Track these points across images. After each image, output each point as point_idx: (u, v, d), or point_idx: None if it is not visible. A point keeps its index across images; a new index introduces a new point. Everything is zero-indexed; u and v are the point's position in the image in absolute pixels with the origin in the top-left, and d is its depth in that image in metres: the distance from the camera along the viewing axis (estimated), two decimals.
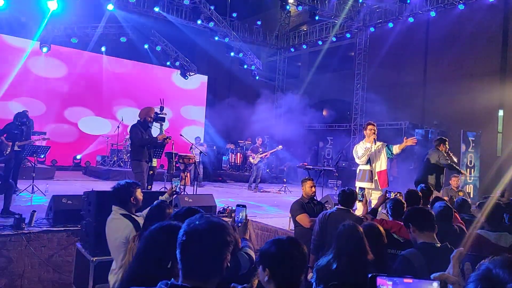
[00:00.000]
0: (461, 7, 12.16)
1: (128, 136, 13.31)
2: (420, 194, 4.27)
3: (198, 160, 10.30)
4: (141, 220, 3.21)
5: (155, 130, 6.83)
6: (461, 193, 7.62)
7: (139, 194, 3.31)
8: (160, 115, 6.88)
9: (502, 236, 3.03)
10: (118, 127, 13.57)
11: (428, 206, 4.05)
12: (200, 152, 10.10)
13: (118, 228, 3.11)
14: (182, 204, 6.20)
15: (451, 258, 0.95)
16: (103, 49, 15.10)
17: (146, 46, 15.76)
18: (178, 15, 14.24)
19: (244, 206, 2.57)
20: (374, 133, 6.20)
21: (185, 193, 7.96)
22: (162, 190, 8.19)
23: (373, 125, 6.30)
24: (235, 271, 2.44)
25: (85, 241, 4.35)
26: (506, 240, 3.00)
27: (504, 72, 12.75)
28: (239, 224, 2.58)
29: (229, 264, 1.49)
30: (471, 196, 10.33)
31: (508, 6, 12.64)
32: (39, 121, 12.50)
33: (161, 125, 6.72)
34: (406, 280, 0.93)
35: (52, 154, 12.70)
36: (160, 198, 3.75)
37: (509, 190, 7.22)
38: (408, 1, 12.58)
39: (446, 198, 6.56)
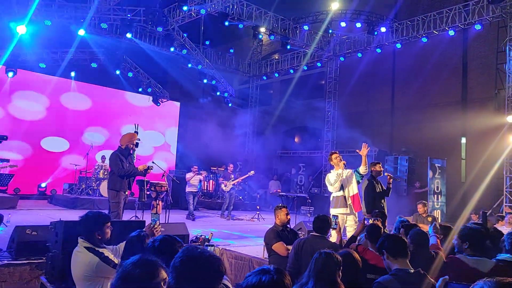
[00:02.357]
0: (424, 40, 12.86)
1: (99, 164, 13.03)
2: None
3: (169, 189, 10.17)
4: (108, 253, 3.12)
5: None
6: (429, 218, 7.75)
7: (106, 228, 3.21)
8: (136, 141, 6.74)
9: (480, 261, 3.05)
10: (87, 154, 13.22)
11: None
12: (200, 181, 10.78)
13: (80, 261, 3.03)
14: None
15: (437, 286, 0.97)
16: (72, 74, 14.85)
17: (118, 72, 15.64)
18: (151, 42, 14.29)
19: (212, 245, 2.61)
20: (341, 160, 6.41)
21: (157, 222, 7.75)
22: (133, 219, 7.97)
23: (336, 153, 6.60)
24: None
25: (51, 274, 4.12)
26: (485, 265, 3.02)
27: (465, 102, 13.45)
28: None
29: None
30: (439, 221, 10.60)
31: (466, 41, 13.48)
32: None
33: (134, 150, 6.58)
34: None
35: (15, 181, 12.16)
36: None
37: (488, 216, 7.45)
38: (376, 33, 13.19)
39: (420, 224, 6.72)
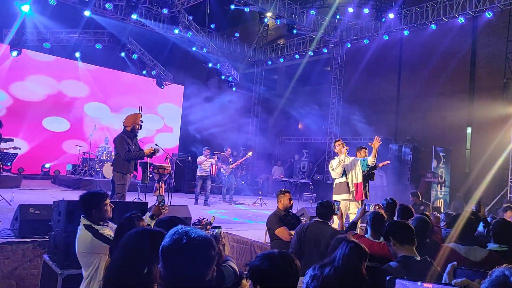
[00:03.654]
0: (433, 27, 12.63)
1: (102, 145, 13.03)
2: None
3: (171, 173, 10.15)
4: (104, 230, 3.17)
5: None
6: (422, 207, 7.71)
7: (105, 206, 3.24)
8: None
9: (471, 250, 3.04)
10: (91, 135, 13.22)
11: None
12: (211, 165, 10.54)
13: (79, 238, 3.16)
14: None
15: (445, 273, 0.94)
16: (77, 55, 14.75)
17: (122, 54, 15.52)
18: (156, 24, 14.13)
19: (219, 227, 2.62)
20: (343, 146, 6.40)
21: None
22: (136, 200, 7.99)
23: (339, 140, 6.69)
24: (219, 283, 2.38)
25: (53, 253, 4.14)
26: (476, 254, 3.02)
27: (472, 91, 13.28)
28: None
29: (214, 274, 1.51)
30: (442, 210, 10.58)
31: (476, 29, 13.23)
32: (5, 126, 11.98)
33: (137, 133, 6.53)
34: (425, 285, 0.91)
35: (19, 162, 12.19)
36: (147, 222, 3.50)
37: (483, 204, 7.42)
38: (383, 19, 12.96)
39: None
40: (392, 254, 2.69)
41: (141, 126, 6.46)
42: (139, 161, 7.88)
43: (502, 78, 12.13)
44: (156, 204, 3.59)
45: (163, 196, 3.87)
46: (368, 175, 6.69)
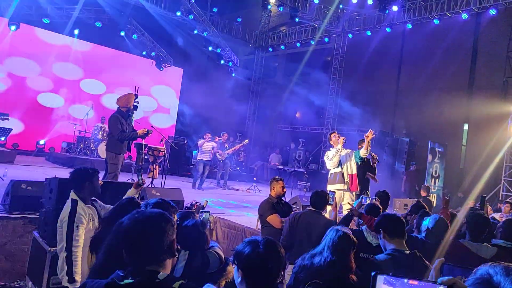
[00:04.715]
0: (436, 22, 12.53)
1: (98, 125, 12.95)
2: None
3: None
4: (80, 229, 3.18)
5: None
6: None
7: (96, 180, 3.36)
8: (134, 103, 6.65)
9: (483, 247, 3.06)
10: (88, 113, 13.12)
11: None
12: (213, 148, 10.45)
13: (62, 211, 3.25)
14: (149, 197, 6.03)
15: (433, 268, 0.93)
16: (76, 32, 14.54)
17: (122, 34, 15.31)
18: (158, 5, 13.92)
19: (207, 212, 2.65)
20: (339, 137, 6.43)
21: (153, 186, 7.77)
22: (129, 181, 7.97)
23: (335, 132, 6.74)
24: (204, 268, 2.38)
25: (43, 230, 4.13)
26: (487, 251, 3.03)
27: (471, 89, 13.25)
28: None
29: (176, 255, 1.57)
30: (434, 205, 10.65)
31: (479, 25, 13.13)
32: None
33: (132, 113, 6.49)
34: (411, 282, 0.90)
35: (14, 137, 12.11)
36: (128, 194, 3.60)
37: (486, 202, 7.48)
38: (387, 11, 12.82)
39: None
40: (382, 246, 2.69)
41: (136, 107, 6.42)
42: (134, 142, 7.87)
43: (502, 77, 12.11)
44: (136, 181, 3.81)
45: (141, 169, 4.06)
46: (369, 170, 6.67)
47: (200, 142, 10.86)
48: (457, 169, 12.78)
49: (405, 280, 0.90)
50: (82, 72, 15.03)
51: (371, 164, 6.79)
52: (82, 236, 3.13)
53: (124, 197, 3.13)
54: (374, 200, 4.31)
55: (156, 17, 14.71)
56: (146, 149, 8.74)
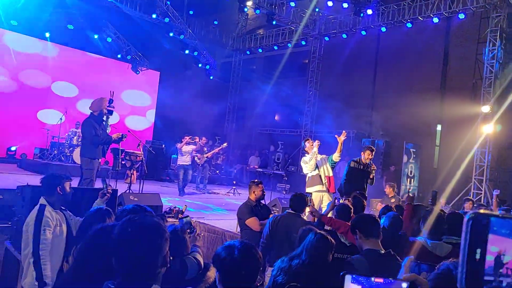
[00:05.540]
0: (409, 25, 12.86)
1: (73, 130, 12.66)
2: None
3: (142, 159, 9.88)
4: (47, 233, 3.10)
5: None
6: (393, 200, 7.84)
7: (67, 186, 3.32)
8: (108, 108, 6.55)
9: (438, 245, 3.17)
10: (61, 118, 12.81)
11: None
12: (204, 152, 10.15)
13: (29, 216, 3.18)
14: (127, 203, 5.94)
15: (402, 265, 0.97)
16: (47, 34, 14.17)
17: (96, 36, 15.04)
18: (133, 7, 13.75)
19: (186, 217, 2.64)
20: (313, 143, 6.52)
21: (131, 191, 7.66)
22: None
23: (309, 139, 6.87)
24: (182, 274, 2.36)
25: (16, 239, 4.00)
26: (442, 249, 3.13)
27: (443, 90, 13.65)
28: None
29: (168, 265, 1.50)
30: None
31: (449, 29, 13.56)
32: None
33: (108, 118, 6.40)
34: (376, 280, 0.93)
35: None
36: (95, 204, 3.53)
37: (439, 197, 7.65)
38: (362, 15, 13.08)
39: (379, 205, 6.88)
40: (358, 246, 2.74)
41: (111, 111, 6.33)
42: (111, 146, 7.74)
43: (472, 79, 12.52)
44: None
45: (105, 180, 3.98)
46: (366, 178, 6.57)
47: (179, 145, 10.69)
48: (431, 169, 13.11)
49: (372, 279, 0.93)
50: (54, 76, 14.66)
51: (367, 172, 6.62)
52: (50, 240, 3.05)
53: (91, 209, 3.10)
54: (346, 201, 4.38)
55: (132, 20, 14.52)
56: (123, 154, 8.60)
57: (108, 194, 3.65)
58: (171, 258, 2.24)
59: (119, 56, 15.81)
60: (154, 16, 13.82)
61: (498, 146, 11.72)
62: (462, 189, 11.10)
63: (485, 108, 10.68)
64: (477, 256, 0.58)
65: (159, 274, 1.47)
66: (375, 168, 6.78)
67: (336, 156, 6.43)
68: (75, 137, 12.27)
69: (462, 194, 11.03)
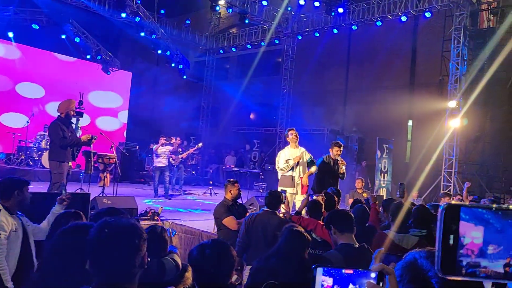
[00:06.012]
0: (378, 23, 13.13)
1: (41, 133, 12.25)
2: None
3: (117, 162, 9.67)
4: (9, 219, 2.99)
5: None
6: (365, 194, 7.98)
7: (26, 191, 3.20)
8: (78, 110, 6.39)
9: (404, 238, 3.27)
10: (28, 122, 12.39)
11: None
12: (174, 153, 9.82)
13: None
14: (100, 207, 5.81)
15: (372, 258, 1.01)
16: (10, 35, 13.63)
17: (63, 36, 14.60)
18: (101, 6, 13.43)
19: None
20: (297, 136, 6.44)
21: (104, 195, 7.50)
22: (78, 191, 7.63)
23: (293, 129, 6.61)
24: (160, 276, 2.34)
25: None
26: (408, 241, 3.24)
27: (412, 86, 14.05)
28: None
29: (145, 266, 1.48)
30: (384, 198, 11.14)
31: (416, 27, 13.96)
32: None
33: (78, 120, 6.24)
34: (347, 271, 0.96)
35: None
36: (54, 211, 3.41)
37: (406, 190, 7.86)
38: (333, 13, 13.25)
39: (350, 200, 6.99)
40: (333, 242, 2.79)
41: (80, 113, 6.18)
42: (82, 149, 7.55)
43: (438, 75, 12.93)
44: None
45: (64, 184, 3.81)
46: (336, 174, 6.64)
47: (155, 147, 10.44)
48: (403, 164, 13.46)
49: (343, 270, 0.96)
50: (18, 77, 14.13)
51: (337, 167, 6.71)
52: (5, 244, 2.94)
53: (49, 215, 3.01)
54: (321, 197, 4.45)
55: (101, 20, 14.18)
56: (96, 156, 8.41)
57: (66, 200, 3.49)
58: (149, 259, 2.23)
59: (88, 56, 15.41)
60: (123, 15, 13.53)
61: (465, 139, 12.16)
62: (432, 182, 11.45)
63: (452, 104, 11.04)
64: (451, 242, 0.63)
65: (137, 276, 1.45)
66: (345, 163, 6.87)
67: (313, 170, 6.46)
68: (43, 141, 11.87)
69: (433, 187, 11.39)
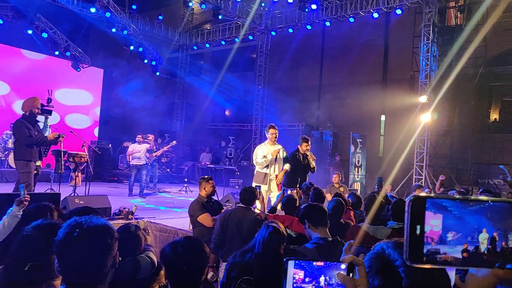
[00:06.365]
0: (351, 20, 13.32)
1: (7, 132, 11.79)
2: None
3: (89, 160, 9.42)
4: None
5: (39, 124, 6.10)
6: (341, 189, 8.10)
7: None
8: (46, 108, 6.17)
9: (378, 229, 3.35)
10: None
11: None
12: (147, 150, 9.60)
13: None
14: (71, 207, 5.65)
15: (343, 250, 1.02)
16: None
17: (30, 32, 14.07)
18: (70, 0, 13.02)
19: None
20: (276, 137, 6.43)
21: (76, 194, 7.30)
22: (48, 191, 7.40)
23: (275, 128, 6.53)
24: (135, 274, 2.32)
25: None
26: (382, 233, 3.32)
27: (385, 82, 14.34)
28: None
29: (117, 266, 1.45)
30: (358, 192, 11.35)
31: (388, 24, 14.24)
32: None
33: (46, 118, 6.03)
34: (317, 263, 0.97)
35: None
36: (12, 212, 3.24)
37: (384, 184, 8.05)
38: (306, 10, 13.33)
39: (329, 194, 7.09)
40: (308, 235, 2.81)
41: (49, 111, 5.97)
42: (52, 148, 7.32)
43: (410, 71, 13.25)
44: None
45: (23, 184, 3.62)
46: (306, 168, 6.69)
47: (131, 145, 10.19)
48: (377, 158, 13.74)
49: (314, 263, 0.97)
50: None
51: (309, 162, 6.75)
52: None
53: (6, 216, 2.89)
54: (295, 192, 4.48)
55: (70, 14, 13.75)
56: (66, 155, 8.18)
57: (25, 202, 3.23)
58: (120, 258, 2.19)
59: (57, 53, 14.91)
60: (93, 10, 13.17)
61: (435, 133, 12.52)
62: (405, 175, 11.75)
63: (423, 98, 11.33)
64: (418, 232, 0.66)
65: (108, 275, 1.42)
66: (314, 157, 6.95)
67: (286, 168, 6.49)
68: (10, 140, 11.43)
69: (405, 180, 11.68)
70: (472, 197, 0.66)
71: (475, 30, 11.18)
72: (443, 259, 0.64)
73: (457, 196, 0.67)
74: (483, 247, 0.64)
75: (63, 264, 1.34)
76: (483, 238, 0.64)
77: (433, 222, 0.65)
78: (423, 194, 0.72)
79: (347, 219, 4.10)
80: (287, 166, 6.44)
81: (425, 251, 0.65)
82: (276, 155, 6.39)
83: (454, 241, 0.64)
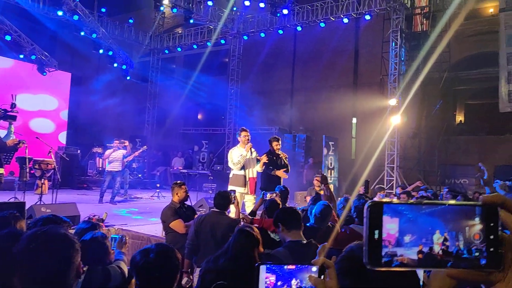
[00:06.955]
0: (322, 25, 13.54)
1: None
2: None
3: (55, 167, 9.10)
4: None
5: (2, 131, 5.85)
6: (321, 191, 8.18)
7: None
8: (10, 113, 5.92)
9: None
10: None
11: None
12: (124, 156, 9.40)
13: None
14: (38, 215, 5.43)
15: (317, 252, 1.02)
16: None
17: None
18: (35, 3, 12.60)
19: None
20: (248, 139, 6.42)
21: (42, 203, 7.03)
22: (12, 200, 7.09)
23: (246, 131, 6.51)
24: (105, 284, 2.25)
25: None
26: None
27: (356, 85, 14.65)
28: None
29: (80, 276, 1.45)
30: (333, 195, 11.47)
31: (358, 29, 14.57)
32: None
33: (10, 124, 5.78)
34: (289, 267, 0.97)
35: None
36: None
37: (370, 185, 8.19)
38: (278, 14, 13.45)
39: (308, 197, 7.14)
40: (281, 239, 2.81)
41: (11, 116, 5.73)
42: (16, 155, 7.03)
43: (379, 75, 13.59)
44: None
45: None
46: (282, 166, 6.69)
47: (108, 151, 9.90)
48: (349, 160, 13.97)
49: (285, 266, 0.97)
50: None
51: (283, 163, 6.78)
52: None
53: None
54: (274, 195, 4.47)
55: (36, 17, 13.30)
56: (31, 162, 7.87)
57: None
58: (85, 268, 2.11)
59: (21, 56, 14.36)
60: (60, 13, 12.79)
61: (404, 135, 12.87)
62: (377, 177, 12.00)
63: (392, 101, 11.64)
64: (376, 236, 0.67)
65: (73, 286, 1.38)
66: (286, 155, 7.02)
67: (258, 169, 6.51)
68: None
69: (377, 181, 11.92)
70: (425, 201, 0.68)
71: (439, 37, 11.60)
72: (400, 261, 0.66)
73: (411, 201, 0.69)
74: (437, 248, 0.66)
75: (22, 276, 1.29)
76: (437, 239, 0.66)
77: (390, 226, 0.67)
78: (382, 199, 0.76)
79: (332, 221, 4.12)
80: (259, 167, 6.46)
81: (383, 254, 0.66)
82: (250, 150, 6.39)
83: (410, 243, 0.66)
